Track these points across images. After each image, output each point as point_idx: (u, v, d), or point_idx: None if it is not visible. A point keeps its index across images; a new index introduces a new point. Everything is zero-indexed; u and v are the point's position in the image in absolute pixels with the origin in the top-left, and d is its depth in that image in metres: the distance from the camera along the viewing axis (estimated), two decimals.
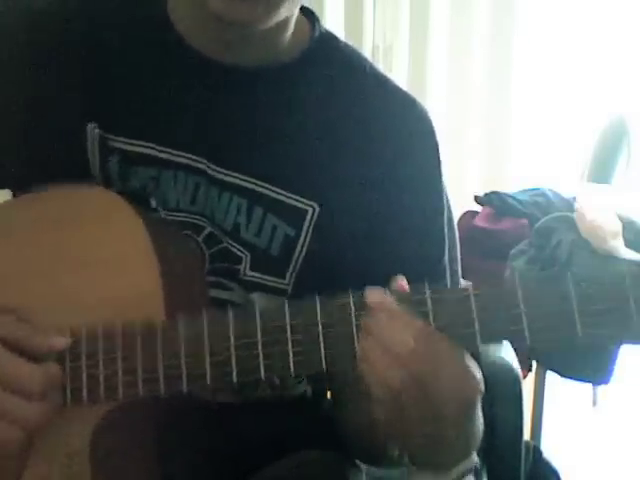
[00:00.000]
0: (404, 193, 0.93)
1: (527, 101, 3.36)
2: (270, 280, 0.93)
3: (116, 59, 0.93)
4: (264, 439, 0.94)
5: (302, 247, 0.92)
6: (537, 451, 1.20)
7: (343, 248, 0.92)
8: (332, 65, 0.96)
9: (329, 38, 0.98)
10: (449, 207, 1.02)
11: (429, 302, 0.74)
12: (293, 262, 0.93)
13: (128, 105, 0.92)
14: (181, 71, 0.92)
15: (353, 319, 0.75)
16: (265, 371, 0.76)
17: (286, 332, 0.76)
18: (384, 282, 0.85)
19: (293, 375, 0.77)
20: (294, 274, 0.93)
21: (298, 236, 0.92)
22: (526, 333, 0.72)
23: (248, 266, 0.92)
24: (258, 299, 0.93)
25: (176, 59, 0.92)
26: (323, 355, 0.75)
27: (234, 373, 0.77)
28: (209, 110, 0.91)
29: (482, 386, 0.76)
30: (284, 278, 0.93)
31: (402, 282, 0.76)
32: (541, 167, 3.32)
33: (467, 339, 0.74)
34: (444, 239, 0.96)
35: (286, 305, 0.77)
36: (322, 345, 0.75)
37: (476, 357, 0.76)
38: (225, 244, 0.92)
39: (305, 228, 0.92)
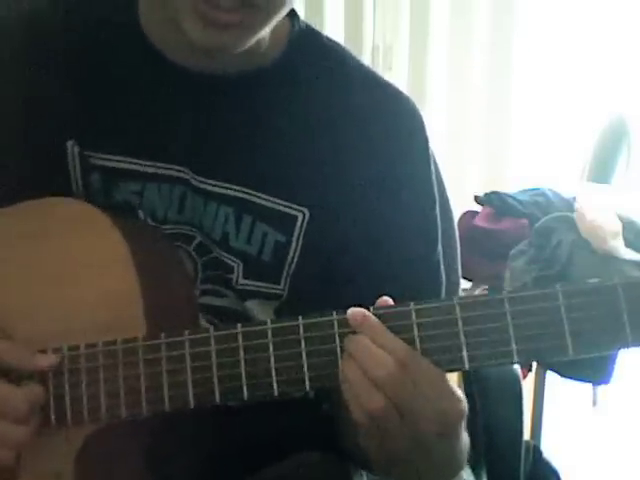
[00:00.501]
0: (396, 190, 0.92)
1: (527, 101, 3.36)
2: (264, 286, 0.92)
3: (93, 75, 0.92)
4: (264, 440, 0.94)
5: (294, 253, 0.91)
6: (537, 451, 1.20)
7: (336, 250, 0.91)
8: (314, 62, 0.93)
9: (309, 34, 0.95)
10: (449, 206, 1.01)
11: (415, 326, 0.73)
12: (286, 267, 0.91)
13: (106, 120, 0.91)
14: (159, 83, 0.90)
15: (337, 339, 0.74)
16: (248, 390, 0.76)
17: (269, 351, 0.75)
18: (379, 282, 0.85)
19: (277, 395, 0.76)
20: (289, 279, 0.92)
21: (289, 242, 0.91)
22: (515, 357, 0.71)
23: (241, 275, 0.91)
24: (253, 306, 0.92)
25: (153, 71, 0.90)
26: (306, 375, 0.75)
27: (217, 393, 0.76)
28: (189, 120, 0.90)
29: (465, 407, 0.74)
30: (279, 283, 0.92)
31: (386, 300, 0.75)
32: (541, 167, 3.32)
33: (454, 363, 0.73)
34: (437, 234, 0.95)
35: (269, 323, 0.76)
36: (305, 365, 0.75)
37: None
38: (216, 253, 0.91)
39: (296, 234, 0.91)
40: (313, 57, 0.94)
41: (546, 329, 0.71)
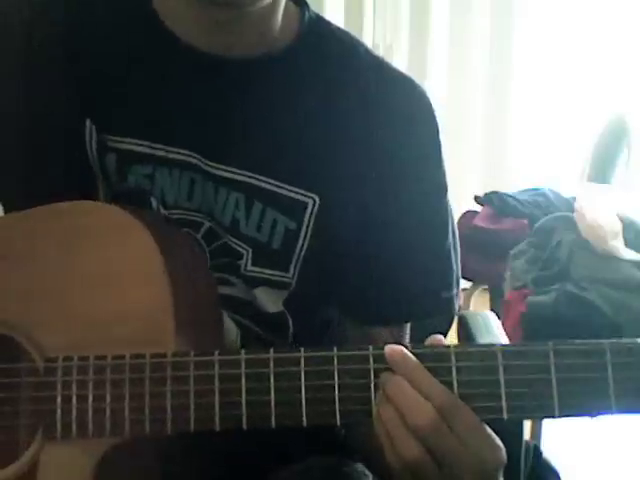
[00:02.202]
0: (406, 178, 0.92)
1: (527, 101, 3.36)
2: (273, 274, 0.91)
3: (105, 56, 0.92)
4: (274, 442, 0.93)
5: (304, 240, 0.90)
6: (537, 451, 1.20)
7: (346, 238, 0.91)
8: (325, 51, 0.93)
9: (320, 22, 0.95)
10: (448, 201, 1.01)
11: (454, 369, 0.70)
12: (296, 255, 0.91)
13: (119, 102, 0.90)
14: (171, 66, 0.90)
15: (372, 374, 0.71)
16: (276, 419, 0.73)
17: (300, 380, 0.72)
18: (388, 270, 0.84)
19: (305, 425, 0.73)
20: (298, 267, 0.91)
21: (299, 229, 0.90)
22: (557, 412, 0.69)
23: (250, 261, 0.91)
24: (262, 294, 0.92)
25: (165, 54, 0.90)
26: (337, 408, 0.71)
27: (244, 418, 0.73)
28: (201, 104, 0.90)
29: (505, 456, 0.72)
30: (287, 271, 0.91)
31: (438, 338, 0.73)
32: (541, 167, 3.32)
33: (492, 412, 0.70)
34: (448, 221, 0.94)
35: (302, 351, 0.73)
36: (337, 398, 0.71)
37: None
38: (225, 239, 0.91)
39: (306, 221, 0.90)
40: (324, 44, 0.94)
41: (591, 386, 0.68)
